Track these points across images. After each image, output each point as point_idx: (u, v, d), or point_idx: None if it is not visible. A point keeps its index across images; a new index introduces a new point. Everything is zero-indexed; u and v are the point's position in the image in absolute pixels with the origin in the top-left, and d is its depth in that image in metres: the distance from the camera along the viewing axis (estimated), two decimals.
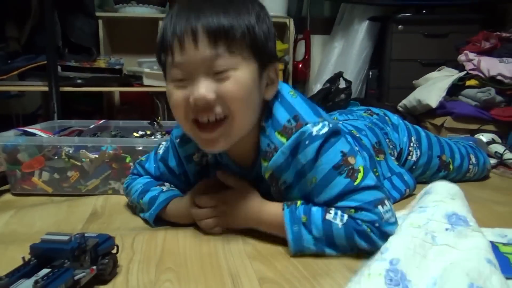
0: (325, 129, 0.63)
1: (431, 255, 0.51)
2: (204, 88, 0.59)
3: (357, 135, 0.88)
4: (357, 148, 0.81)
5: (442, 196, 0.61)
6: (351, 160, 0.63)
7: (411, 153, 1.00)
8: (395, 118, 1.05)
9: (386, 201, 0.62)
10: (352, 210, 0.61)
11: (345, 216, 0.61)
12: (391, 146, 0.96)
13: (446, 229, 0.54)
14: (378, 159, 0.89)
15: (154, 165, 0.82)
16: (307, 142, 0.62)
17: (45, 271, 0.49)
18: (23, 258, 0.51)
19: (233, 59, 0.59)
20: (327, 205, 0.63)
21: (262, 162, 0.67)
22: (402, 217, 0.66)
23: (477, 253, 0.49)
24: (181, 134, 0.75)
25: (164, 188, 0.78)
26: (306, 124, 0.63)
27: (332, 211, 0.62)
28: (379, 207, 0.61)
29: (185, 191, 0.77)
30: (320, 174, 0.63)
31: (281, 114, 0.65)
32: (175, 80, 0.61)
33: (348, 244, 0.61)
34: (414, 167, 1.01)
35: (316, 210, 0.63)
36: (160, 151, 0.82)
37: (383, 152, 0.92)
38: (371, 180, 0.63)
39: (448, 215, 0.56)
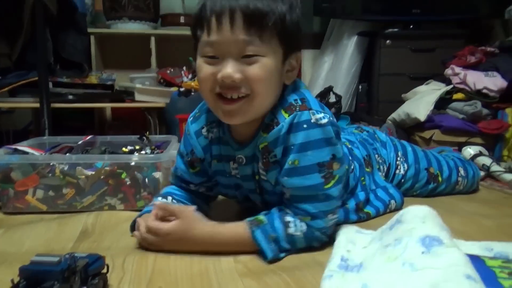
0: (325, 120, 0.68)
1: (410, 281, 0.51)
2: (232, 69, 0.64)
3: (349, 146, 0.93)
4: (350, 158, 0.86)
5: (413, 223, 0.63)
6: (335, 165, 0.70)
7: (398, 167, 1.03)
8: (383, 135, 1.09)
9: (336, 211, 0.72)
10: (309, 217, 0.69)
11: (303, 226, 0.69)
12: (380, 161, 1.00)
13: (422, 253, 0.55)
14: (367, 170, 0.93)
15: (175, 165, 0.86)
16: (304, 126, 0.68)
17: None
18: (12, 280, 0.51)
19: (263, 47, 0.64)
20: (290, 196, 0.70)
21: (261, 133, 0.72)
22: (375, 238, 0.70)
23: (455, 270, 0.50)
24: (194, 113, 0.82)
25: (158, 200, 0.80)
26: (310, 109, 0.69)
27: (291, 222, 0.68)
28: (329, 215, 0.71)
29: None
30: (303, 162, 0.68)
31: (290, 95, 0.72)
32: (206, 56, 0.66)
33: (306, 246, 0.71)
34: (402, 180, 1.03)
35: (277, 225, 0.68)
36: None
37: (371, 166, 0.95)
38: (336, 191, 0.70)
39: (421, 239, 0.57)
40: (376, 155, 0.99)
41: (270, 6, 0.64)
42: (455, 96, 1.72)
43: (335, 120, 0.72)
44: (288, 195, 0.71)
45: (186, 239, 0.69)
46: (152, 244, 0.71)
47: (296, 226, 0.69)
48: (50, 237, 0.81)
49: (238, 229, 0.70)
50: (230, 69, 0.64)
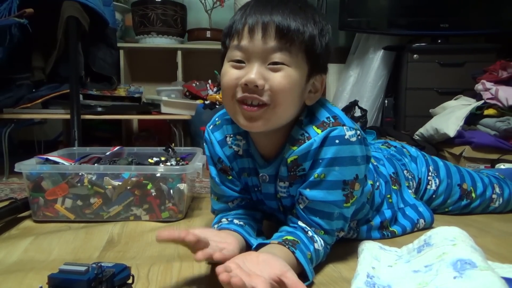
0: (354, 138, 0.67)
1: None
2: (257, 75, 0.64)
3: (375, 163, 0.91)
4: (375, 174, 0.84)
5: (443, 246, 0.61)
6: (356, 186, 0.69)
7: (430, 182, 1.00)
8: (413, 150, 1.06)
9: (345, 229, 0.73)
10: (322, 232, 0.69)
11: (322, 242, 0.69)
12: (410, 177, 0.97)
13: (455, 277, 0.52)
14: (394, 187, 0.90)
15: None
16: (336, 141, 0.66)
17: None
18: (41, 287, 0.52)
19: (290, 57, 0.65)
20: (306, 208, 0.69)
21: (290, 147, 0.70)
22: (401, 257, 0.69)
23: None
24: (213, 121, 0.81)
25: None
26: (344, 125, 0.68)
27: (314, 237, 0.68)
28: (338, 233, 0.72)
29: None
30: (330, 177, 0.67)
31: (321, 113, 0.71)
32: (233, 60, 0.67)
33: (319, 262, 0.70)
34: (434, 195, 1.00)
35: (308, 243, 0.67)
36: None
37: (399, 184, 0.93)
38: (351, 211, 0.71)
39: (453, 263, 0.55)
40: (405, 171, 0.97)
41: (302, 25, 0.65)
42: (486, 112, 1.67)
43: (366, 138, 0.71)
44: (303, 206, 0.69)
45: (263, 265, 0.58)
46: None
47: (317, 242, 0.68)
48: (77, 246, 0.82)
49: (282, 250, 0.63)
50: (254, 74, 0.64)
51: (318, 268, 0.69)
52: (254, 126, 0.67)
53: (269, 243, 0.65)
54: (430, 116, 1.90)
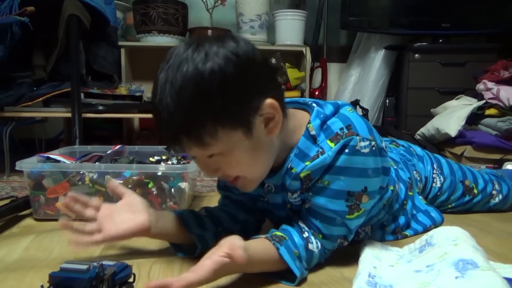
0: (367, 150, 0.64)
1: None
2: (207, 169, 0.65)
3: (395, 167, 0.88)
4: (396, 179, 0.83)
5: (445, 246, 0.61)
6: (364, 199, 0.66)
7: (435, 180, 1.00)
8: (418, 149, 1.05)
9: (348, 238, 0.70)
10: (320, 235, 0.68)
11: (319, 244, 0.67)
12: (418, 179, 0.96)
13: (456, 277, 0.52)
14: (410, 193, 0.90)
15: None
16: (346, 150, 0.64)
17: None
18: (42, 286, 0.51)
19: (211, 148, 0.60)
20: (309, 209, 0.68)
21: (302, 162, 0.66)
22: (402, 257, 0.69)
23: None
24: None
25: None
26: (357, 135, 0.64)
27: (310, 237, 0.67)
28: (339, 240, 0.69)
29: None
30: (334, 185, 0.65)
31: (335, 124, 0.66)
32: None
33: (315, 264, 0.68)
34: (439, 193, 1.01)
35: (298, 241, 0.66)
36: None
37: (413, 189, 0.92)
38: (355, 223, 0.68)
39: (454, 263, 0.55)
40: (414, 171, 0.95)
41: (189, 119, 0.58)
42: (487, 112, 1.67)
43: (383, 149, 0.68)
44: (307, 206, 0.69)
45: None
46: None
47: (313, 243, 0.67)
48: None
49: (264, 243, 0.64)
50: (205, 170, 0.65)
51: (319, 268, 0.69)
52: (247, 190, 0.69)
53: (258, 238, 0.65)
54: (431, 116, 1.89)
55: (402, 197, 0.85)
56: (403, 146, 1.04)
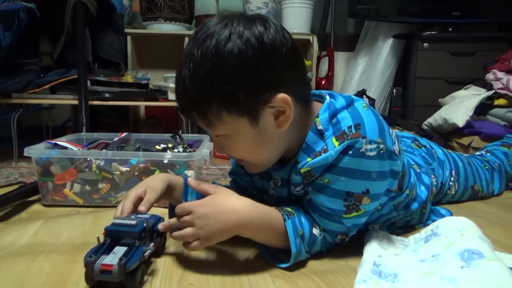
0: (373, 153, 0.62)
1: None
2: (215, 146, 0.69)
3: (418, 171, 0.87)
4: (416, 183, 0.80)
5: (451, 236, 0.61)
6: (365, 200, 0.65)
7: (450, 188, 1.00)
8: (440, 152, 1.01)
9: (348, 235, 0.69)
10: (321, 228, 0.68)
11: (322, 234, 0.68)
12: (435, 183, 0.94)
13: (462, 267, 0.52)
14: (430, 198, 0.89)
15: None
16: (350, 152, 0.62)
17: (119, 248, 0.57)
18: (98, 238, 0.60)
19: (218, 127, 0.62)
20: (310, 201, 0.68)
21: (305, 157, 0.66)
22: (407, 247, 0.70)
23: (497, 285, 0.47)
24: None
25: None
26: (364, 137, 0.62)
27: (316, 225, 0.67)
28: (339, 236, 0.69)
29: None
30: (334, 185, 0.64)
31: (345, 120, 0.64)
32: None
33: (318, 251, 0.68)
34: (451, 199, 1.03)
35: (304, 222, 0.66)
36: None
37: (432, 196, 0.91)
38: (353, 222, 0.67)
39: (460, 253, 0.55)
40: (433, 176, 0.93)
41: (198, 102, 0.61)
42: (496, 102, 1.66)
43: (394, 152, 0.66)
44: (308, 198, 0.68)
45: (227, 212, 0.60)
46: (191, 235, 0.61)
47: (317, 229, 0.67)
48: (85, 230, 0.83)
49: (274, 211, 0.64)
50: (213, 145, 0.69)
51: (324, 256, 0.69)
52: (250, 171, 0.72)
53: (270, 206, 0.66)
54: (439, 106, 1.88)
55: (423, 198, 0.82)
56: (425, 147, 1.00)
